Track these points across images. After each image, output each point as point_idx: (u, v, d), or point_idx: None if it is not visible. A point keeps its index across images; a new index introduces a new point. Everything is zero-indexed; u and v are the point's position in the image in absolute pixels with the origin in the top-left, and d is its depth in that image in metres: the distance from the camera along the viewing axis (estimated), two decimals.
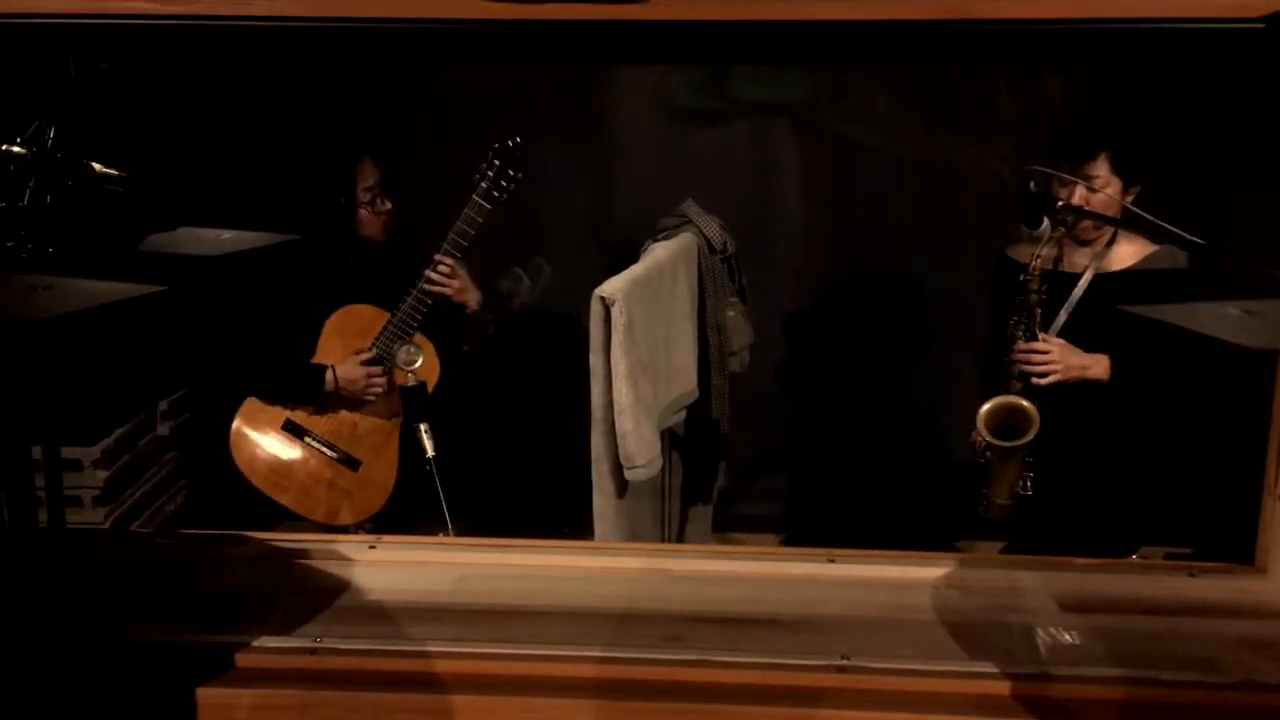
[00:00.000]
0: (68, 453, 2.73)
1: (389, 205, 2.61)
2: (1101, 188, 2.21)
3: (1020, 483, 2.25)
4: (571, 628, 1.50)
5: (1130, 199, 2.24)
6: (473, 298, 2.58)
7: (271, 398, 2.53)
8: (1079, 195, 2.21)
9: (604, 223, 3.29)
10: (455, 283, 2.50)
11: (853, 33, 1.24)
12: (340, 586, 1.59)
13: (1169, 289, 2.24)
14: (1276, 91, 1.39)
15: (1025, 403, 2.20)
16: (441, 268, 2.46)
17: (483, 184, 2.42)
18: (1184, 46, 1.39)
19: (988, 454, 2.25)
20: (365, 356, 2.50)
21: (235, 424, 2.52)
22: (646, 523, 2.58)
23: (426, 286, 2.47)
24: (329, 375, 2.49)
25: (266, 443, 2.52)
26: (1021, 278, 2.23)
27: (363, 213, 2.58)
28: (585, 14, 1.20)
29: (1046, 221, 2.21)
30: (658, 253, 2.60)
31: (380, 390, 2.52)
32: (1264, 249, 1.73)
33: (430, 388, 2.46)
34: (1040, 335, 2.23)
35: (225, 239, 2.50)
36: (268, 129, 2.95)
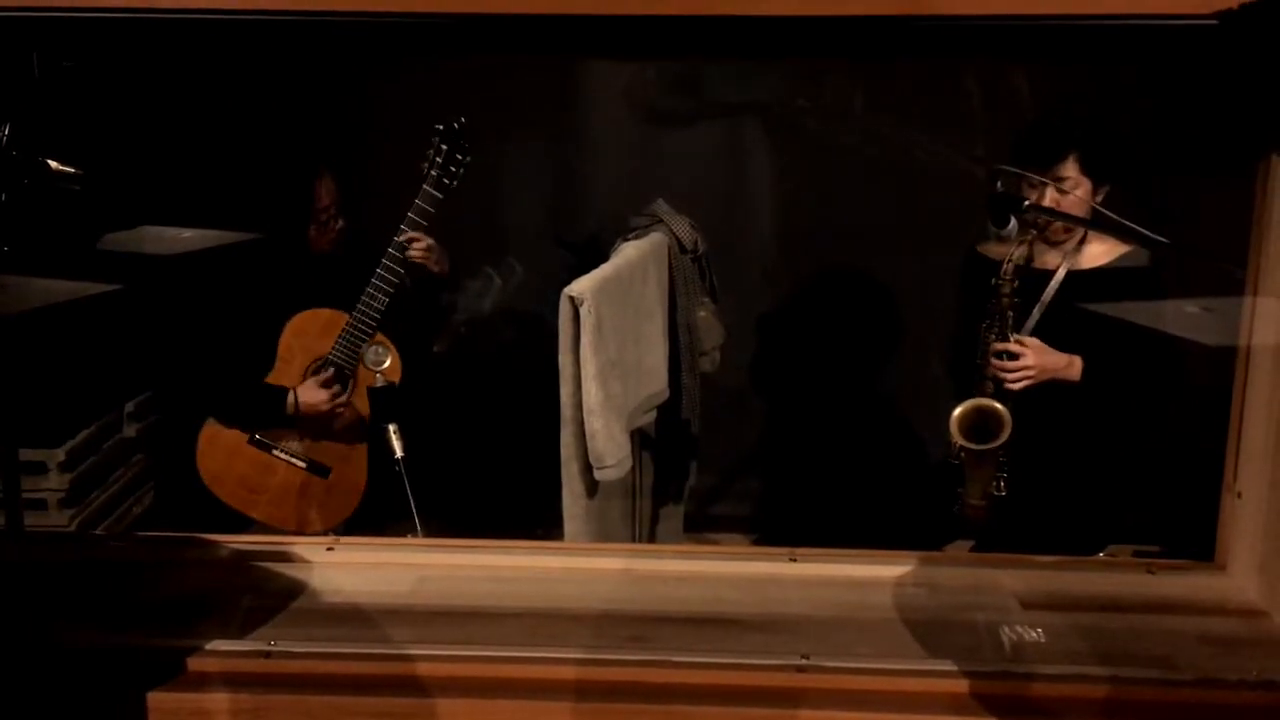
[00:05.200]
0: (32, 455, 2.71)
1: (341, 223, 2.59)
2: (1071, 189, 2.21)
3: (994, 483, 2.25)
4: (531, 629, 1.49)
5: (1100, 198, 2.25)
6: (444, 262, 2.55)
7: (231, 421, 2.50)
8: (1050, 197, 2.21)
9: (575, 222, 3.28)
10: (431, 254, 2.48)
11: (806, 29, 1.23)
12: (297, 588, 1.57)
13: (1140, 287, 2.25)
14: (1231, 88, 1.40)
15: (998, 405, 2.20)
16: (417, 244, 2.42)
17: (432, 171, 2.38)
18: (1139, 44, 1.39)
19: (961, 455, 2.26)
20: (325, 376, 2.48)
21: (200, 442, 2.49)
22: (617, 523, 2.58)
23: (412, 254, 2.43)
24: (289, 399, 2.46)
25: (233, 460, 2.49)
26: (994, 281, 2.23)
27: (314, 230, 2.56)
28: (531, 7, 1.19)
29: (1013, 221, 2.21)
30: (628, 252, 2.60)
31: (343, 408, 2.50)
32: (1227, 246, 1.73)
33: (397, 387, 2.44)
34: (1014, 337, 2.23)
35: (184, 238, 2.48)
36: (228, 134, 2.93)
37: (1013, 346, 2.21)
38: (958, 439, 2.21)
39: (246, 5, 1.41)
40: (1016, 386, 2.20)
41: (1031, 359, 2.20)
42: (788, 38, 1.27)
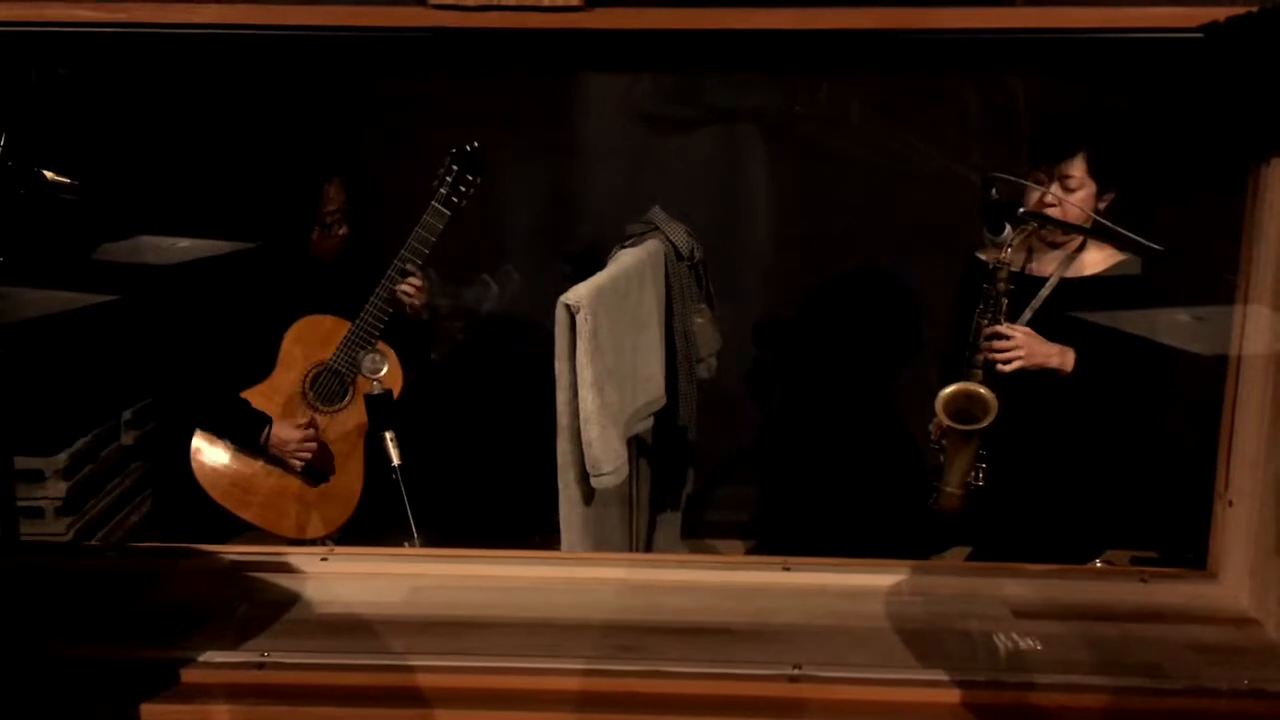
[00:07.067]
0: (29, 463, 2.71)
1: (345, 229, 2.59)
2: (1076, 188, 2.22)
3: (973, 473, 2.25)
4: (525, 639, 1.49)
5: (1104, 205, 2.25)
6: (425, 308, 2.58)
7: (215, 433, 2.51)
8: (1053, 194, 2.22)
9: (571, 230, 3.28)
10: (423, 296, 2.50)
11: (799, 42, 1.24)
12: (291, 599, 1.57)
13: (1134, 296, 2.25)
14: (1219, 100, 1.41)
15: (984, 390, 2.21)
16: (412, 281, 2.45)
17: (441, 190, 2.40)
18: (1130, 57, 1.40)
19: (943, 440, 2.26)
20: (303, 420, 2.49)
21: (195, 443, 2.49)
22: (614, 531, 2.58)
23: (400, 293, 2.45)
24: (264, 431, 2.47)
25: (228, 460, 2.50)
26: (991, 266, 2.24)
27: (318, 234, 2.57)
28: (528, 22, 1.20)
29: (1008, 228, 2.22)
30: (624, 259, 2.60)
31: (308, 457, 2.50)
32: (1217, 255, 1.74)
33: (395, 395, 2.45)
34: (1006, 324, 2.23)
35: (181, 247, 2.48)
36: (228, 142, 2.94)
37: (1004, 329, 2.22)
38: (942, 419, 2.21)
39: (242, 20, 1.42)
40: (1008, 369, 2.21)
41: (1021, 341, 2.21)
42: (782, 51, 1.28)
